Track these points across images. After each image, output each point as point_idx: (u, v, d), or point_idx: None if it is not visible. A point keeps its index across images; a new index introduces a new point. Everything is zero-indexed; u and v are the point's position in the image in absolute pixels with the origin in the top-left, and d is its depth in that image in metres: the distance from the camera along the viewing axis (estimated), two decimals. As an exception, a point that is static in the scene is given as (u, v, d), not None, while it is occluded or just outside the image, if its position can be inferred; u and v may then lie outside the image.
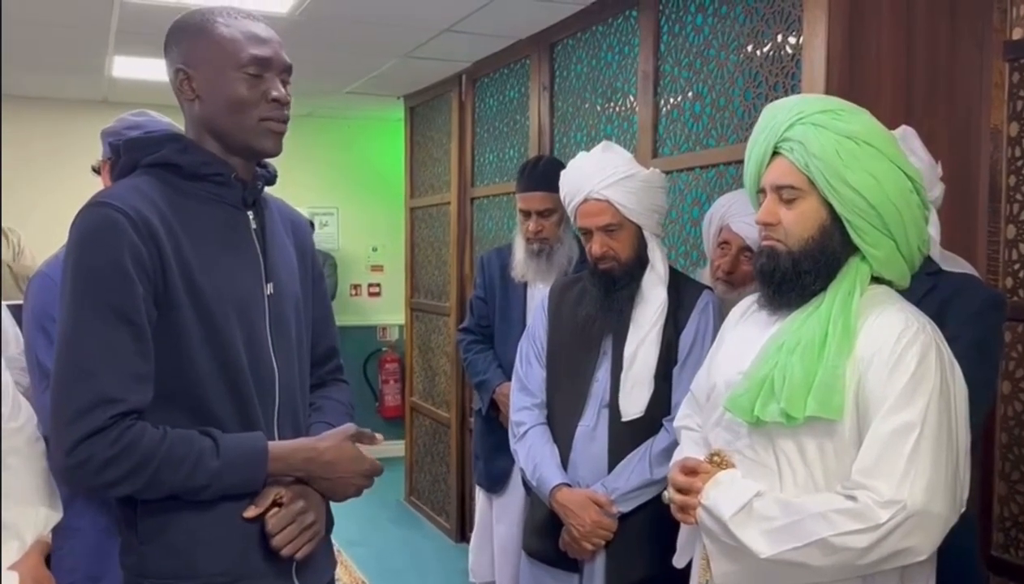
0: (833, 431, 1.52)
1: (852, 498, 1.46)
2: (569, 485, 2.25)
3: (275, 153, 1.58)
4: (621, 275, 2.26)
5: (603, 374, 2.29)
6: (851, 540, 1.44)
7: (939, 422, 1.47)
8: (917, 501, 1.43)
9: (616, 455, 2.24)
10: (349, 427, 1.64)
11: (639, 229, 2.27)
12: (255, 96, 1.52)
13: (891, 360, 1.49)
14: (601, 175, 2.23)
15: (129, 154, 1.57)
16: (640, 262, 2.27)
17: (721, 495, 1.58)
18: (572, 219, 2.35)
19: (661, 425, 2.23)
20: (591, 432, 2.28)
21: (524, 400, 2.41)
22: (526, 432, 2.37)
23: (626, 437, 2.24)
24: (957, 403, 1.52)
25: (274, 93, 1.53)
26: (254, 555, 1.53)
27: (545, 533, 2.33)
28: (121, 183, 1.53)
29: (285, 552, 1.53)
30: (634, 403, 2.22)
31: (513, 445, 2.40)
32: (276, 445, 1.55)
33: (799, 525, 1.48)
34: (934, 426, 1.46)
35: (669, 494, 1.72)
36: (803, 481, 1.55)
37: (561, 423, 2.33)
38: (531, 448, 2.33)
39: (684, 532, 1.83)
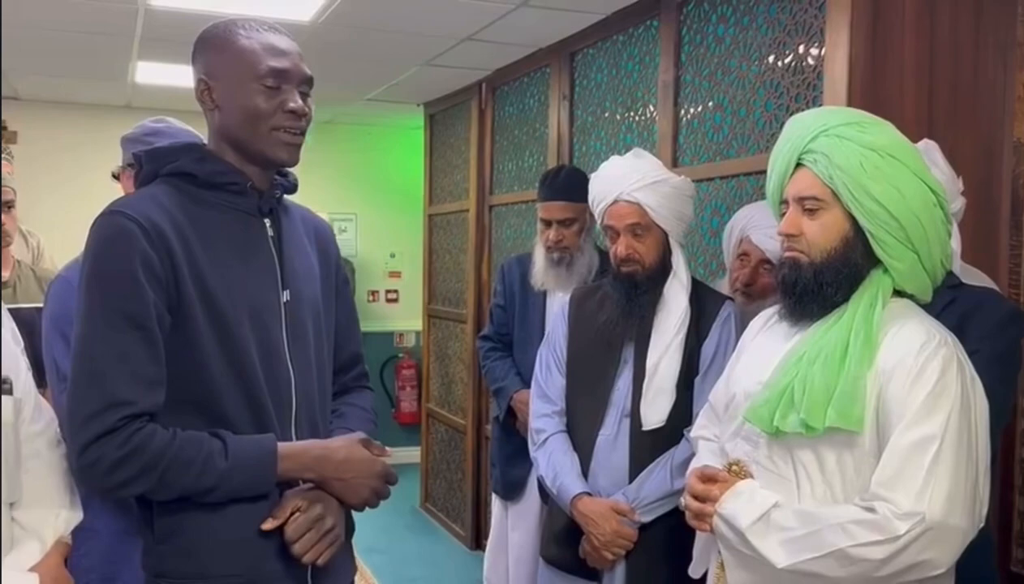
0: (852, 443, 1.52)
1: (871, 510, 1.46)
2: (590, 494, 2.25)
3: (290, 163, 1.60)
4: (644, 279, 2.26)
5: (624, 383, 2.28)
6: (869, 551, 1.44)
7: (959, 435, 1.46)
8: (936, 514, 1.42)
9: (637, 465, 2.24)
10: (359, 434, 1.66)
11: (665, 236, 2.28)
12: (271, 107, 1.54)
13: (912, 372, 1.49)
14: (633, 178, 2.25)
15: (150, 164, 1.59)
16: (663, 269, 2.28)
17: (739, 505, 1.58)
18: (599, 220, 2.35)
19: (682, 435, 2.23)
20: (612, 441, 2.27)
21: (544, 407, 2.41)
22: (546, 440, 2.36)
23: (647, 447, 2.23)
24: (978, 417, 1.51)
25: (291, 104, 1.55)
26: (270, 558, 1.54)
27: (565, 541, 2.33)
28: (138, 192, 1.56)
29: (306, 559, 1.54)
30: (656, 412, 2.21)
31: (533, 452, 2.40)
32: (287, 444, 1.55)
33: (817, 536, 1.48)
34: (954, 439, 1.45)
35: (685, 501, 1.72)
36: (821, 493, 1.55)
37: (582, 432, 2.33)
38: (552, 456, 2.33)
39: (700, 541, 1.83)
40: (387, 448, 1.68)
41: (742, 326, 2.30)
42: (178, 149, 1.60)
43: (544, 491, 2.41)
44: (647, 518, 2.20)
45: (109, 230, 1.46)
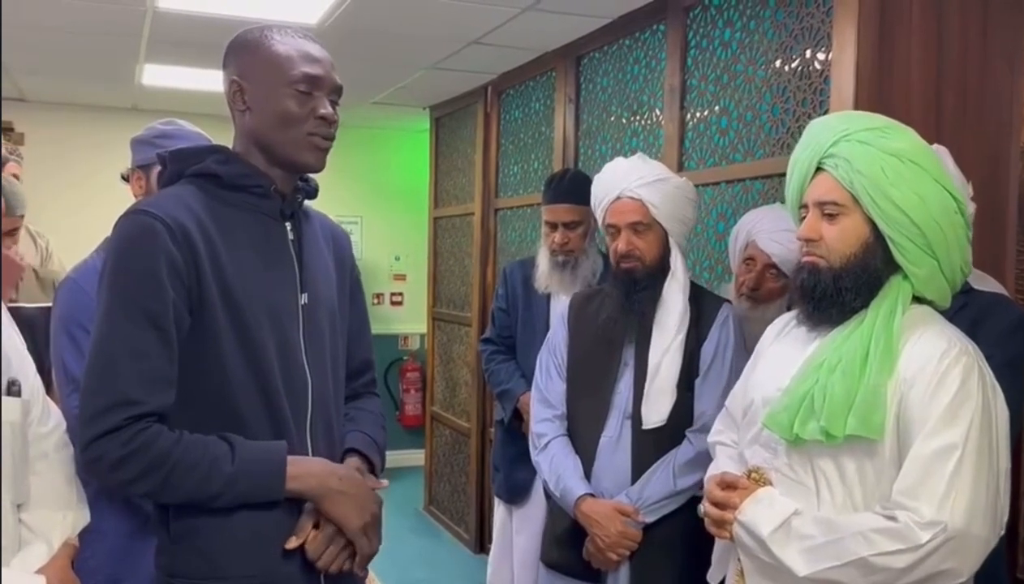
0: (873, 451, 1.51)
1: (892, 518, 1.46)
2: (593, 495, 2.26)
3: (318, 169, 1.61)
4: (643, 276, 2.28)
5: (625, 385, 2.29)
6: (891, 560, 1.44)
7: (980, 444, 1.46)
8: (958, 523, 1.42)
9: (639, 465, 2.25)
10: (355, 462, 1.68)
11: (665, 235, 2.29)
12: (303, 112, 1.56)
13: (933, 381, 1.49)
14: (636, 175, 2.28)
15: (174, 165, 1.61)
16: (663, 267, 2.29)
17: (760, 512, 1.58)
18: (601, 219, 2.37)
19: (684, 435, 2.24)
20: (614, 443, 2.28)
21: (545, 412, 2.42)
22: (548, 443, 2.37)
23: (649, 447, 2.24)
24: (998, 425, 1.51)
25: (322, 110, 1.57)
26: (285, 559, 1.55)
27: (566, 544, 2.34)
28: (163, 192, 1.58)
29: (332, 570, 1.58)
30: (656, 411, 2.22)
31: (535, 456, 2.41)
32: (295, 456, 1.56)
33: (838, 544, 1.48)
34: (975, 448, 1.45)
35: (705, 508, 1.72)
36: (841, 501, 1.55)
37: (584, 434, 2.34)
38: (554, 459, 2.34)
39: (719, 548, 1.83)
40: (390, 454, 1.69)
41: (749, 331, 2.31)
42: (203, 150, 1.62)
43: (549, 494, 2.42)
44: (650, 518, 2.21)
45: (134, 228, 1.48)
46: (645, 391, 2.24)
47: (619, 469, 2.27)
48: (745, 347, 2.29)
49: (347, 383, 1.79)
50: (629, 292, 2.28)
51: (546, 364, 2.47)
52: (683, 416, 2.24)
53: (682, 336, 2.25)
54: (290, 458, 1.54)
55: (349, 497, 1.58)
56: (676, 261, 2.30)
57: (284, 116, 1.55)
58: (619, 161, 2.38)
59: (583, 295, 2.53)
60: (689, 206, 2.34)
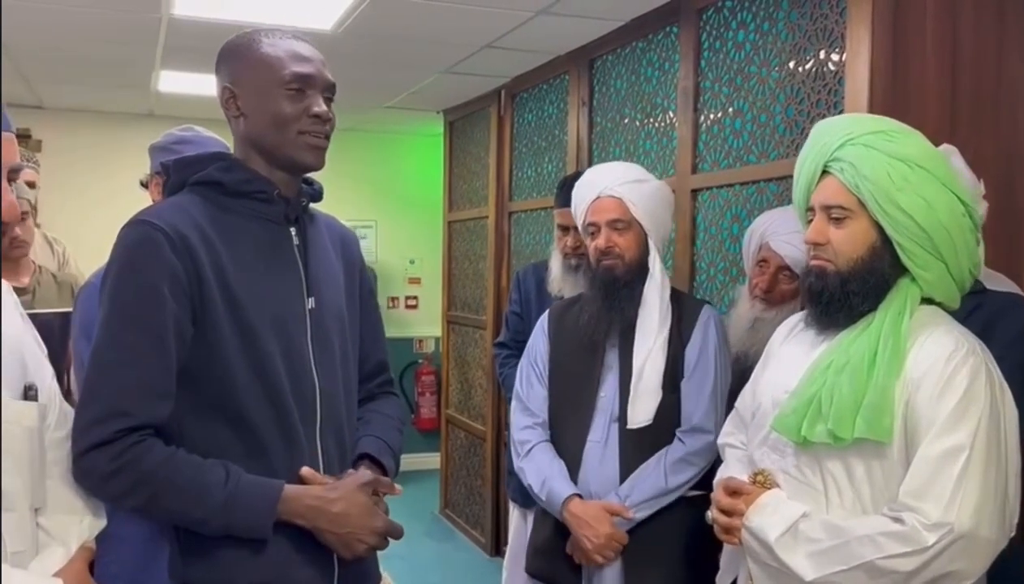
0: (881, 453, 1.51)
1: (899, 521, 1.45)
2: (580, 496, 2.25)
3: (316, 167, 1.61)
4: (623, 274, 2.28)
5: (610, 388, 2.30)
6: (898, 563, 1.44)
7: (988, 445, 1.45)
8: (965, 524, 1.42)
9: (627, 467, 2.25)
10: (363, 475, 1.62)
11: (645, 236, 2.30)
12: (297, 112, 1.55)
13: (941, 382, 1.48)
14: (614, 175, 2.33)
15: (178, 173, 1.62)
16: (642, 268, 2.30)
17: (766, 518, 1.58)
18: (582, 221, 2.38)
19: (671, 435, 2.25)
20: (602, 446, 2.28)
21: (526, 420, 2.42)
22: (531, 449, 2.37)
23: (636, 449, 2.25)
24: (1007, 426, 1.50)
25: (315, 109, 1.56)
26: (297, 566, 1.55)
27: (548, 552, 2.34)
28: (166, 201, 1.59)
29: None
30: (642, 411, 2.23)
31: (518, 463, 2.40)
32: (288, 487, 1.53)
33: (845, 548, 1.48)
34: (983, 449, 1.45)
35: (713, 515, 1.72)
36: (850, 502, 1.54)
37: (570, 439, 2.33)
38: (539, 463, 2.33)
39: (727, 552, 1.83)
40: (406, 458, 1.68)
41: (759, 332, 2.30)
42: (205, 158, 1.62)
43: (534, 499, 2.41)
44: (641, 515, 2.20)
45: (134, 239, 1.48)
46: (631, 392, 2.23)
47: (607, 472, 2.27)
48: (728, 348, 2.33)
49: (363, 385, 1.79)
50: (609, 291, 2.29)
51: (526, 373, 2.47)
52: (669, 416, 2.25)
53: (664, 335, 2.25)
54: (285, 492, 1.51)
55: (338, 536, 1.55)
56: (654, 263, 2.30)
57: (278, 117, 1.55)
58: (597, 166, 2.44)
59: (562, 304, 2.55)
60: (667, 210, 2.37)
